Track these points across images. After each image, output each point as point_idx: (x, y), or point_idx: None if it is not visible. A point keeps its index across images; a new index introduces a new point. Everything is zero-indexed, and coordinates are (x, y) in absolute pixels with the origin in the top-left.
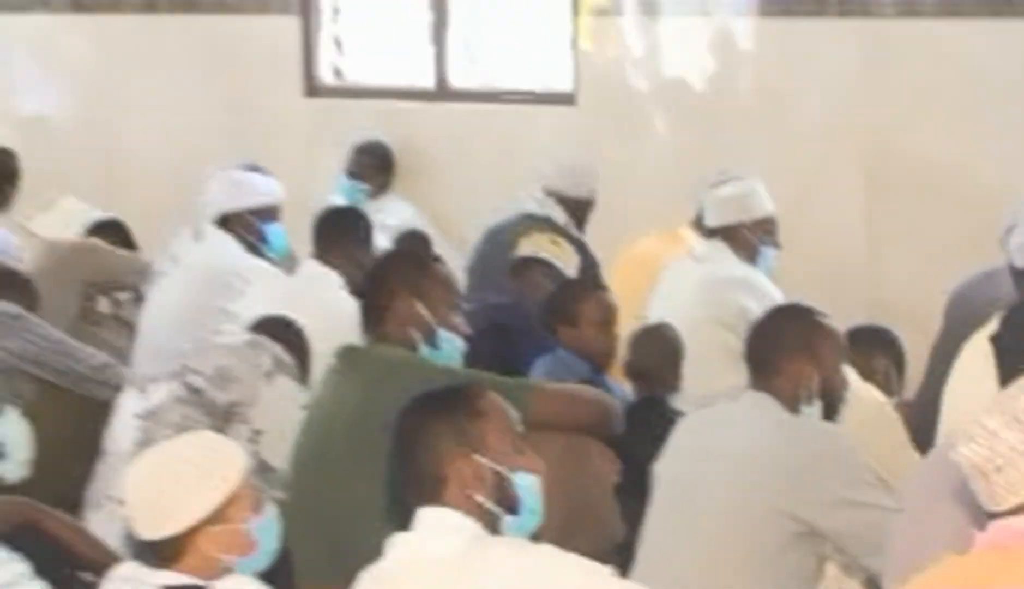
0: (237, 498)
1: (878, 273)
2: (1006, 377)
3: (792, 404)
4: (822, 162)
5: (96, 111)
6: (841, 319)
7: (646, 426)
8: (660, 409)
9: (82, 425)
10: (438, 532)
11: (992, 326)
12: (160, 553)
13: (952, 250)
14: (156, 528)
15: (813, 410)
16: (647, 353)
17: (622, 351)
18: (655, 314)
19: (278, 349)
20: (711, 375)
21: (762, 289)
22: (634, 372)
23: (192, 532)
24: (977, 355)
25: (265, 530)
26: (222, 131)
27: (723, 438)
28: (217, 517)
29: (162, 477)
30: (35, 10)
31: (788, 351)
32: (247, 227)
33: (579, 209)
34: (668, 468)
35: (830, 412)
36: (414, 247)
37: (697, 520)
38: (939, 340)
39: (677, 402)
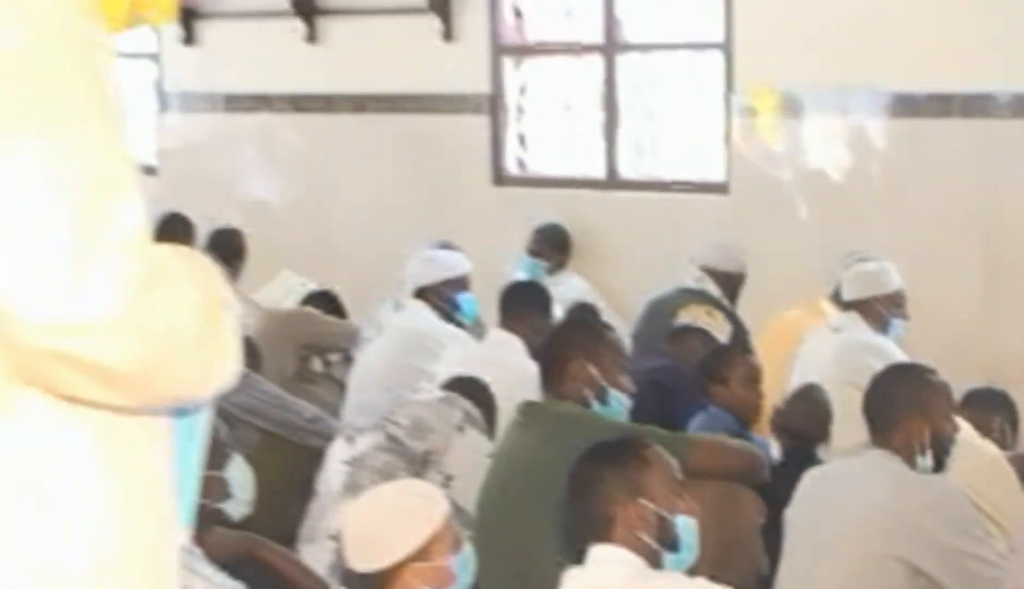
0: (439, 537)
1: (994, 340)
2: None
3: (909, 457)
4: (945, 243)
5: (312, 197)
6: (962, 382)
7: (796, 475)
8: (809, 460)
9: (297, 470)
10: (607, 566)
11: None
12: (369, 584)
13: None
14: (369, 562)
15: (926, 460)
16: (801, 411)
17: (768, 408)
18: (798, 377)
19: (468, 405)
20: (845, 432)
21: (891, 355)
22: (787, 427)
23: (399, 567)
24: None
25: (462, 566)
26: (420, 215)
27: (846, 490)
28: (422, 554)
29: (376, 517)
30: (261, 110)
31: (902, 409)
32: (441, 297)
33: (731, 283)
34: (798, 514)
35: (940, 461)
36: (586, 317)
37: (823, 562)
38: None
39: (822, 454)
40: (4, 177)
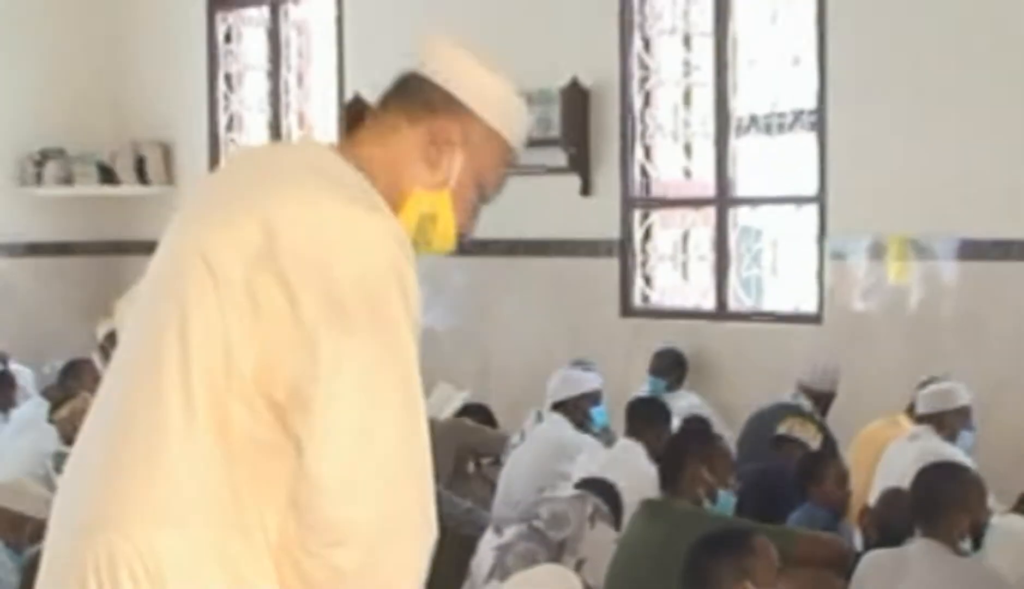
0: None
1: None
2: None
3: (954, 544)
4: (1010, 367)
5: (471, 325)
6: (1020, 484)
7: None
8: None
9: (453, 556)
10: None
11: None
12: None
13: None
14: None
15: (966, 545)
16: (890, 511)
17: (856, 505)
18: (881, 479)
19: (598, 501)
20: None
21: (956, 457)
22: (877, 524)
23: None
24: None
25: None
26: (561, 340)
27: (903, 574)
28: None
29: None
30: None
31: (946, 504)
32: (577, 409)
33: (822, 399)
34: None
35: (976, 542)
36: (700, 427)
37: None
38: None
39: None
40: (349, 369)
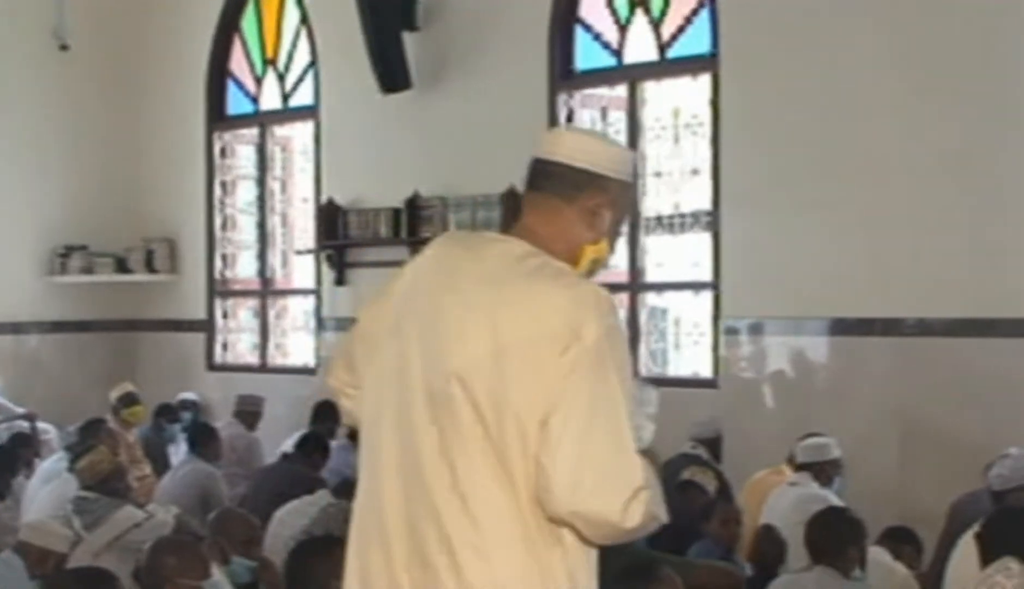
0: None
1: (906, 494)
2: (986, 562)
3: (847, 573)
4: (871, 426)
5: None
6: (882, 522)
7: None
8: (771, 577)
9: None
10: None
11: (976, 528)
12: None
13: (959, 477)
14: None
15: (858, 572)
16: (768, 545)
17: (747, 540)
18: (766, 518)
19: None
20: (799, 558)
21: (831, 501)
22: (758, 556)
23: None
24: (968, 547)
25: None
26: None
27: None
28: None
29: None
30: None
31: (843, 541)
32: None
33: (713, 444)
34: None
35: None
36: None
37: None
38: (943, 535)
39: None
40: (598, 413)
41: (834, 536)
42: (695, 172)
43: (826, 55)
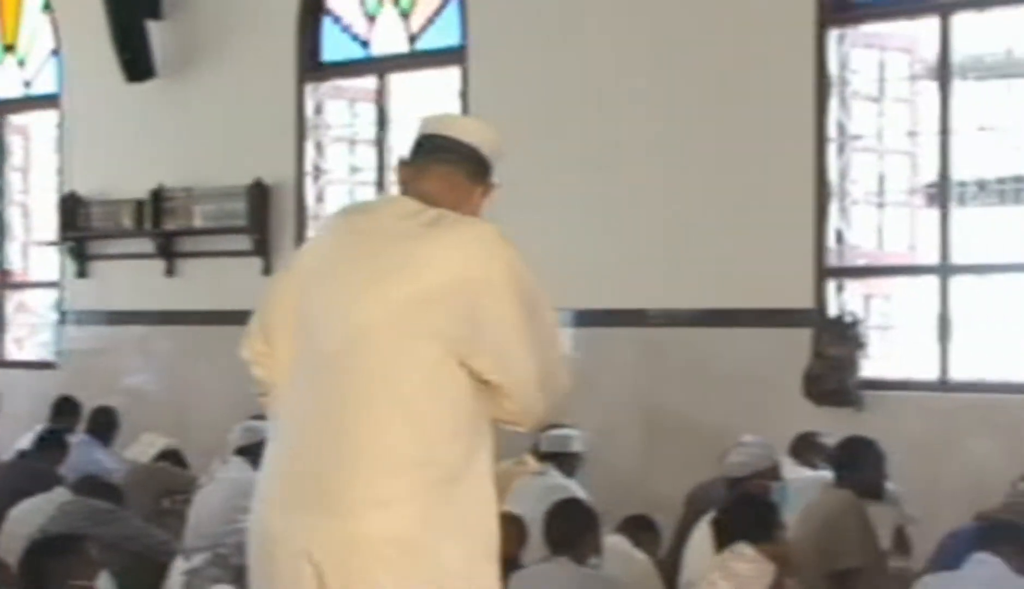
0: None
1: (649, 484)
2: (721, 547)
3: (583, 561)
4: (617, 416)
5: (172, 384)
6: (623, 510)
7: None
8: (514, 567)
9: (152, 581)
10: None
11: (712, 514)
12: None
13: (700, 465)
14: None
15: (595, 560)
16: (511, 533)
17: None
18: (512, 507)
19: None
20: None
21: (576, 494)
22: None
23: None
24: (704, 533)
25: None
26: (246, 397)
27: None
28: None
29: None
30: (137, 323)
31: (580, 531)
32: (260, 454)
33: None
34: None
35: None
36: None
37: None
38: (680, 522)
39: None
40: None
41: (569, 526)
42: None
43: (577, 49)
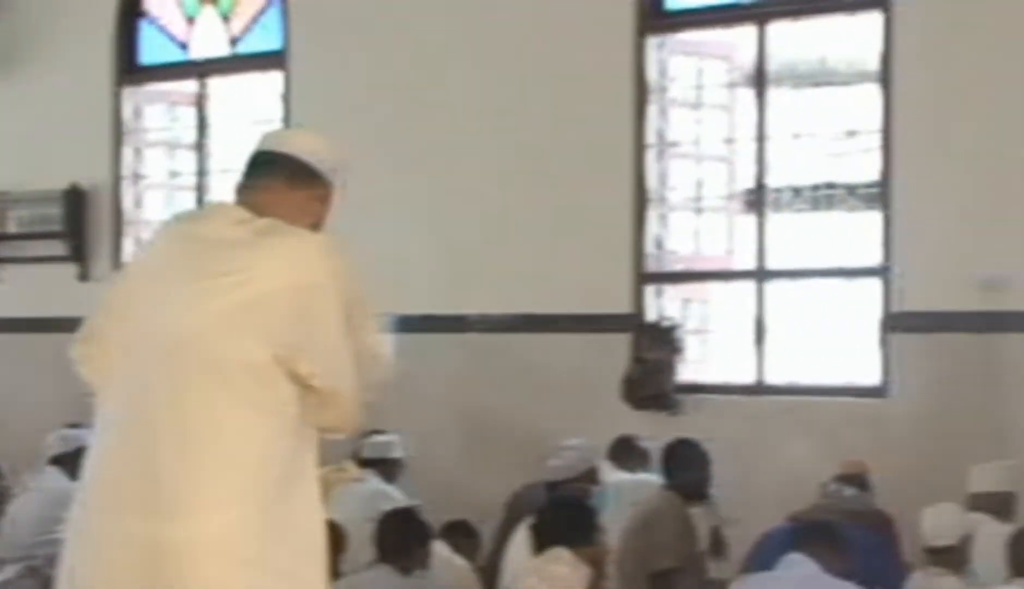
0: None
1: (470, 488)
2: (539, 551)
3: (409, 571)
4: (439, 420)
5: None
6: (444, 516)
7: None
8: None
9: None
10: None
11: (531, 519)
12: None
13: (521, 470)
14: None
15: (423, 574)
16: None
17: None
18: (333, 515)
19: None
20: (364, 554)
21: (398, 500)
22: None
23: None
24: (523, 537)
25: None
26: (61, 405)
27: None
28: None
29: None
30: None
31: (409, 541)
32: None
33: None
34: None
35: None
36: None
37: None
38: (500, 527)
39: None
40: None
41: (401, 537)
42: None
43: (399, 53)
